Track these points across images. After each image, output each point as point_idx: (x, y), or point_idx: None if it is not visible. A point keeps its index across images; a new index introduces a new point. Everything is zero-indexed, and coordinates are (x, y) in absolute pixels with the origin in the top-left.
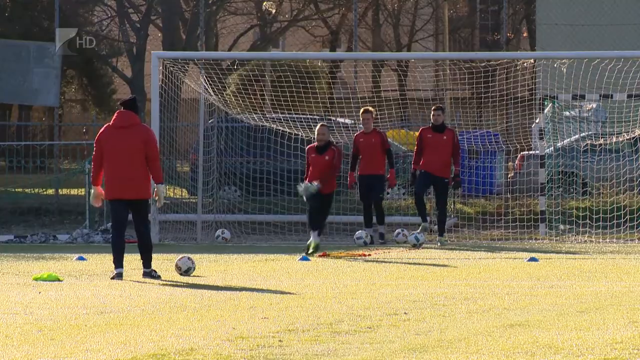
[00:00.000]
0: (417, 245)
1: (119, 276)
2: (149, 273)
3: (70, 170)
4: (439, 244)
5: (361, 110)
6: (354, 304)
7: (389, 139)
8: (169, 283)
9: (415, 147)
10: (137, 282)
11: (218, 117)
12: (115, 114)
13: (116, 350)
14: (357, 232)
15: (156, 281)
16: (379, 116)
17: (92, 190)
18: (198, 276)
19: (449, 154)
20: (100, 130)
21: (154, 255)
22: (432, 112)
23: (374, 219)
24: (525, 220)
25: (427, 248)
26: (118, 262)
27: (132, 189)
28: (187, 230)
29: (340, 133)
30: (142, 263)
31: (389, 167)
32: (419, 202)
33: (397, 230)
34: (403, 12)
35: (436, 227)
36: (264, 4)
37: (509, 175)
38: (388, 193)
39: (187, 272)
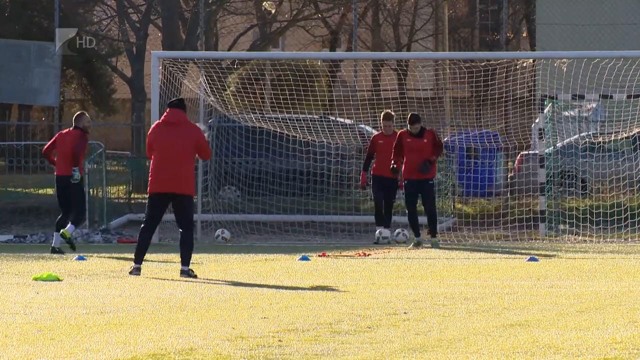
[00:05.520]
0: (376, 241)
1: (137, 271)
2: (187, 272)
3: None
4: (431, 246)
5: (382, 115)
6: (354, 304)
7: None
8: (169, 283)
9: (394, 148)
10: (137, 282)
11: (217, 117)
12: (166, 112)
13: (116, 350)
14: (383, 232)
15: (156, 281)
16: (377, 116)
17: None
18: (197, 277)
19: (430, 155)
20: (151, 128)
21: (154, 255)
22: (382, 122)
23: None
24: (525, 220)
25: (427, 248)
26: (137, 259)
27: (176, 182)
28: None
29: (339, 133)
30: (181, 261)
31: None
32: (412, 217)
33: (397, 230)
34: (403, 12)
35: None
36: (264, 3)
37: (508, 176)
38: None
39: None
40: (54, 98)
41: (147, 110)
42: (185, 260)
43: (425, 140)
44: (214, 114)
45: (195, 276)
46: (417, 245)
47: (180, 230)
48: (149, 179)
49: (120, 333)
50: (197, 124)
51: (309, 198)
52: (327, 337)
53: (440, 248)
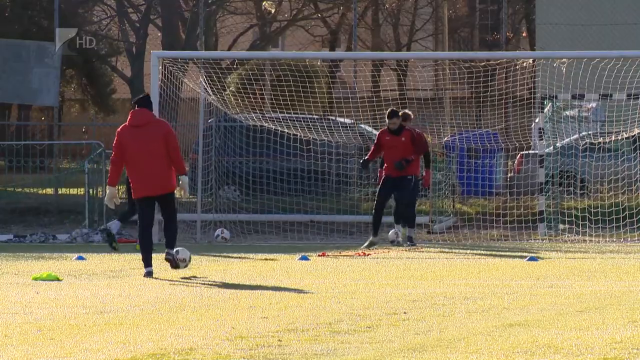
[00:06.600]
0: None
1: (149, 274)
2: (172, 254)
3: (70, 170)
4: (401, 237)
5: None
6: (354, 304)
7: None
8: (169, 283)
9: (373, 146)
10: (137, 282)
11: (217, 116)
12: (130, 114)
13: (115, 349)
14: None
15: (156, 281)
16: (377, 116)
17: (108, 191)
18: (197, 276)
19: (409, 153)
20: (118, 131)
21: (153, 255)
22: (387, 120)
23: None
24: (525, 220)
25: (426, 248)
26: (147, 262)
27: (159, 184)
28: (187, 230)
29: (339, 133)
30: (165, 244)
31: (425, 167)
32: (377, 214)
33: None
34: (402, 12)
35: (437, 226)
36: (264, 3)
37: (508, 176)
38: (426, 195)
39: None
40: (53, 98)
41: None
42: (170, 244)
43: (403, 139)
44: (214, 114)
45: (178, 251)
46: (371, 245)
47: (165, 221)
48: (131, 184)
49: (119, 333)
50: None
51: (310, 197)
52: (327, 337)
53: (410, 246)
